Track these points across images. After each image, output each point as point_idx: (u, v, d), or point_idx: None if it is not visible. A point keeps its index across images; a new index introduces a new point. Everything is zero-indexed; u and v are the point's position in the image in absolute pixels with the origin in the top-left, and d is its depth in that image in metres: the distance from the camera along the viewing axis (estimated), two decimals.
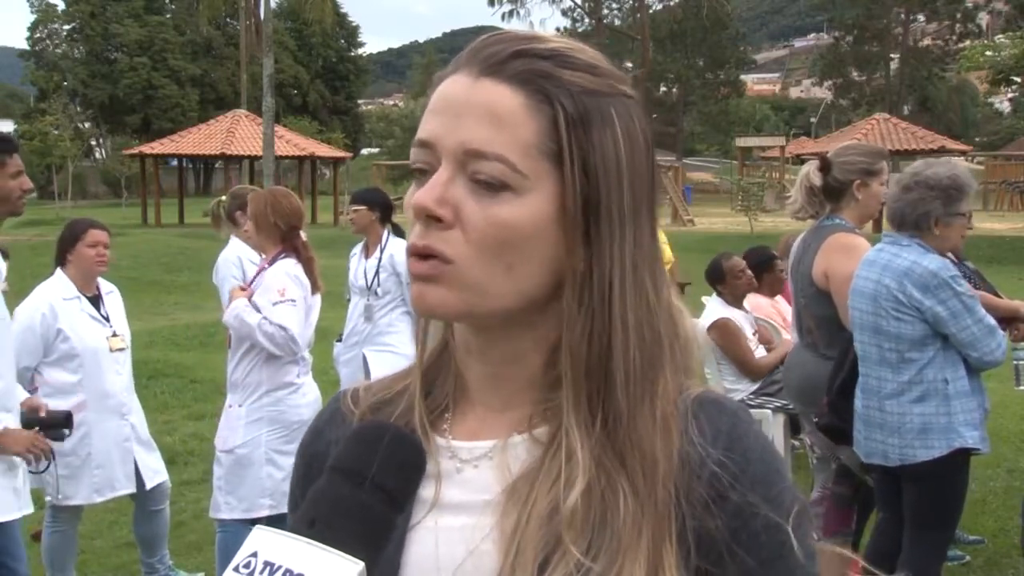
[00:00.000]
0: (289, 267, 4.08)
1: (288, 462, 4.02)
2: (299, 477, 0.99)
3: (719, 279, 5.60)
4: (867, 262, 3.53)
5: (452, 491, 0.87)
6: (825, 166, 3.91)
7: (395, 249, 5.45)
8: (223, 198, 5.92)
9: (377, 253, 5.48)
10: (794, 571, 0.82)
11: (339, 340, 5.77)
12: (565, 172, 0.81)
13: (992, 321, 3.39)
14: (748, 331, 5.56)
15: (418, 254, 0.82)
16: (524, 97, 0.81)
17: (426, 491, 0.87)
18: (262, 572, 0.69)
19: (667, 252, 6.25)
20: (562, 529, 0.79)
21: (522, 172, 0.80)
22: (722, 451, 0.82)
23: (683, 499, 0.81)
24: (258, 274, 4.23)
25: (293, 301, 4.00)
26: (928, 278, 3.33)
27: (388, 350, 5.40)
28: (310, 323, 4.26)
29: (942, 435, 3.37)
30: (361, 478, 0.75)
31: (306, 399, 4.16)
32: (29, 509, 3.49)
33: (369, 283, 5.48)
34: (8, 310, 3.46)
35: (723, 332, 5.38)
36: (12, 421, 3.39)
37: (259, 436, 4.05)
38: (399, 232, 5.61)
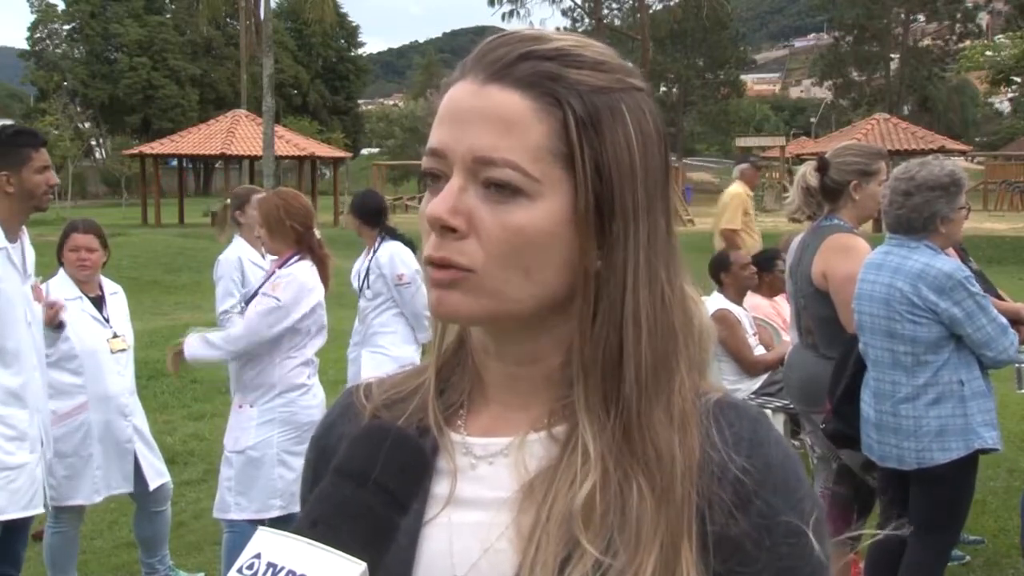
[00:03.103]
0: (303, 271, 4.05)
1: (299, 463, 4.01)
2: (310, 469, 1.00)
3: (724, 268, 5.56)
4: (874, 265, 3.52)
5: (466, 487, 0.87)
6: (822, 166, 3.91)
7: (383, 252, 5.45)
8: (229, 201, 5.94)
9: (369, 255, 5.50)
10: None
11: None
12: (577, 174, 0.80)
13: (1004, 320, 3.40)
14: (748, 328, 5.56)
15: (435, 264, 0.82)
16: (532, 101, 0.80)
17: (440, 487, 0.87)
18: (265, 573, 0.70)
19: None
20: (576, 527, 0.79)
21: (534, 177, 0.80)
22: (744, 458, 0.82)
23: (705, 503, 0.81)
24: (268, 276, 4.20)
25: (278, 300, 3.98)
26: (943, 280, 3.33)
27: (380, 352, 5.42)
28: (322, 328, 4.23)
29: (960, 436, 3.37)
30: (364, 479, 0.76)
31: (316, 400, 4.15)
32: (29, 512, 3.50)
33: (360, 285, 5.51)
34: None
35: (722, 323, 5.37)
36: (25, 418, 3.40)
37: (271, 437, 4.04)
38: (395, 235, 5.61)
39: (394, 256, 5.37)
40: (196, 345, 4.07)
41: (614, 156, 0.81)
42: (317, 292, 4.09)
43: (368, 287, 5.47)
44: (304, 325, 4.07)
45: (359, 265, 5.66)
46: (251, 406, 4.08)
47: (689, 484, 0.81)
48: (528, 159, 0.79)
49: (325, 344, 4.27)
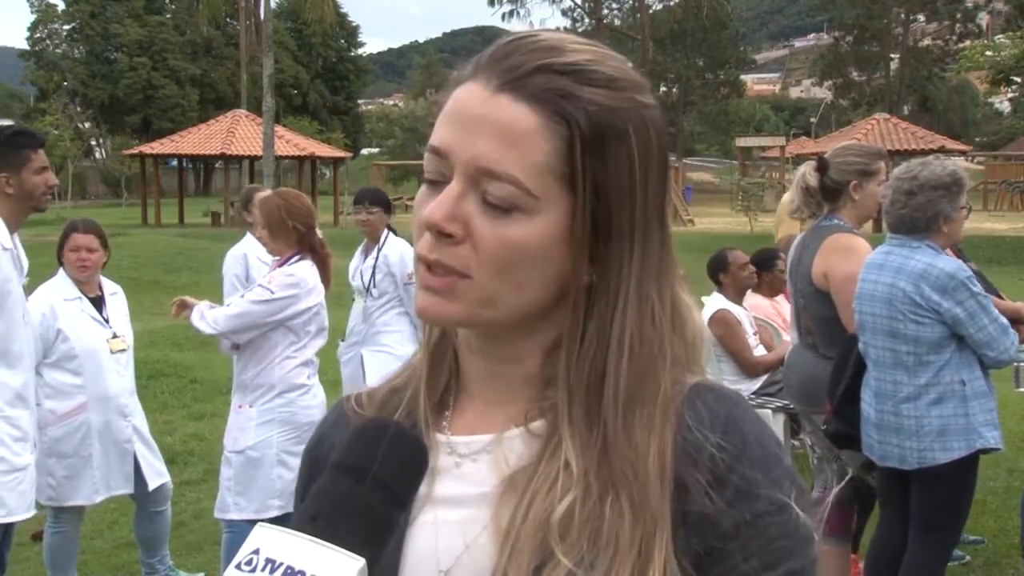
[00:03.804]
0: (303, 270, 4.04)
1: (298, 463, 4.00)
2: (303, 481, 1.01)
3: (723, 268, 5.56)
4: (875, 265, 3.52)
5: (450, 485, 0.88)
6: (822, 166, 3.91)
7: (390, 249, 5.44)
8: None
9: (375, 253, 5.49)
10: (795, 550, 0.82)
11: (343, 340, 5.80)
12: (577, 196, 0.81)
13: (1005, 320, 3.41)
14: (748, 328, 5.56)
15: (427, 265, 0.82)
16: (540, 117, 0.80)
17: (425, 487, 0.87)
18: (264, 569, 0.70)
19: None
20: (552, 538, 0.79)
21: (533, 194, 0.80)
22: (720, 435, 0.82)
23: (680, 486, 0.81)
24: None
25: (271, 292, 3.97)
26: (945, 280, 3.33)
27: (384, 351, 5.40)
28: (322, 328, 4.24)
29: (961, 436, 3.37)
30: (363, 475, 0.76)
31: (316, 400, 4.15)
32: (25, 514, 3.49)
33: (366, 284, 5.49)
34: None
35: (722, 324, 5.38)
36: (28, 419, 3.40)
37: (270, 437, 4.04)
38: (396, 233, 5.62)
39: (404, 255, 5.37)
40: (195, 313, 4.08)
41: (615, 179, 0.82)
42: (317, 292, 4.08)
43: (375, 286, 5.46)
44: (302, 324, 4.07)
45: (358, 263, 5.64)
46: (250, 406, 4.08)
47: (663, 489, 0.80)
48: (529, 175, 0.80)
49: (325, 344, 4.27)
